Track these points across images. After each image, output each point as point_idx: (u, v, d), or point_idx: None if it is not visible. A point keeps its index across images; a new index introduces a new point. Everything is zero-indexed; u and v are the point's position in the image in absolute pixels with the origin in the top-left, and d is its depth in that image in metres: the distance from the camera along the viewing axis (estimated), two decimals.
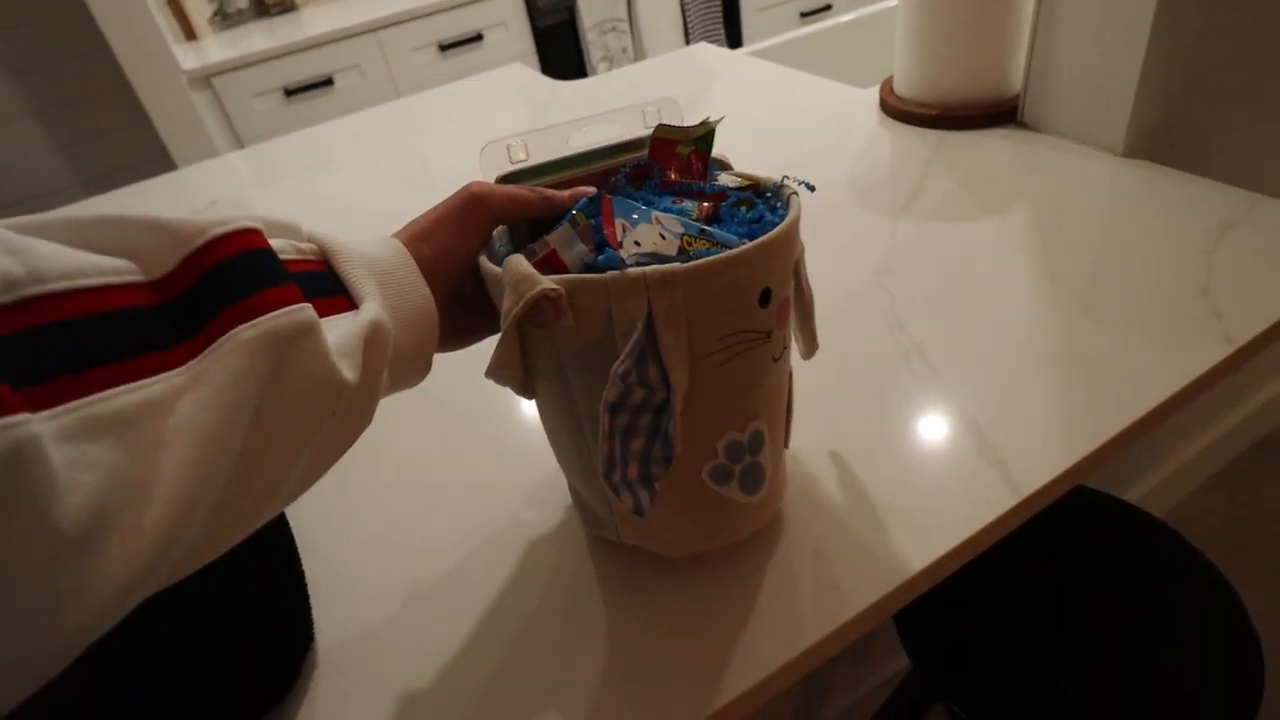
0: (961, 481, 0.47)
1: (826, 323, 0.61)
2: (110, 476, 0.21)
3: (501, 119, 1.18)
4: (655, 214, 0.33)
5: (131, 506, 0.21)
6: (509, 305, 0.33)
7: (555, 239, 0.34)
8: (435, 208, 0.37)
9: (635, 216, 0.33)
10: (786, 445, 0.45)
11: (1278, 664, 1.17)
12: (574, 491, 0.46)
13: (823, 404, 0.54)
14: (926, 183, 0.79)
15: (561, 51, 2.32)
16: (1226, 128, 0.84)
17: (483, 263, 0.37)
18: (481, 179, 0.39)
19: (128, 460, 0.21)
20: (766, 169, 0.41)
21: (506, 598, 0.45)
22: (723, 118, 0.42)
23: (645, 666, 0.40)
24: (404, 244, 0.35)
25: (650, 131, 0.40)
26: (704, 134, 0.40)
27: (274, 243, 0.28)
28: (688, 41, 2.45)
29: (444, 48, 2.19)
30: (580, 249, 0.34)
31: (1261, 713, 0.62)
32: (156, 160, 2.31)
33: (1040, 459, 0.48)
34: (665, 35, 2.39)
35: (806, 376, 0.55)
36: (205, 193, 1.11)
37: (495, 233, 0.39)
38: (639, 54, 2.40)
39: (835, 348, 0.59)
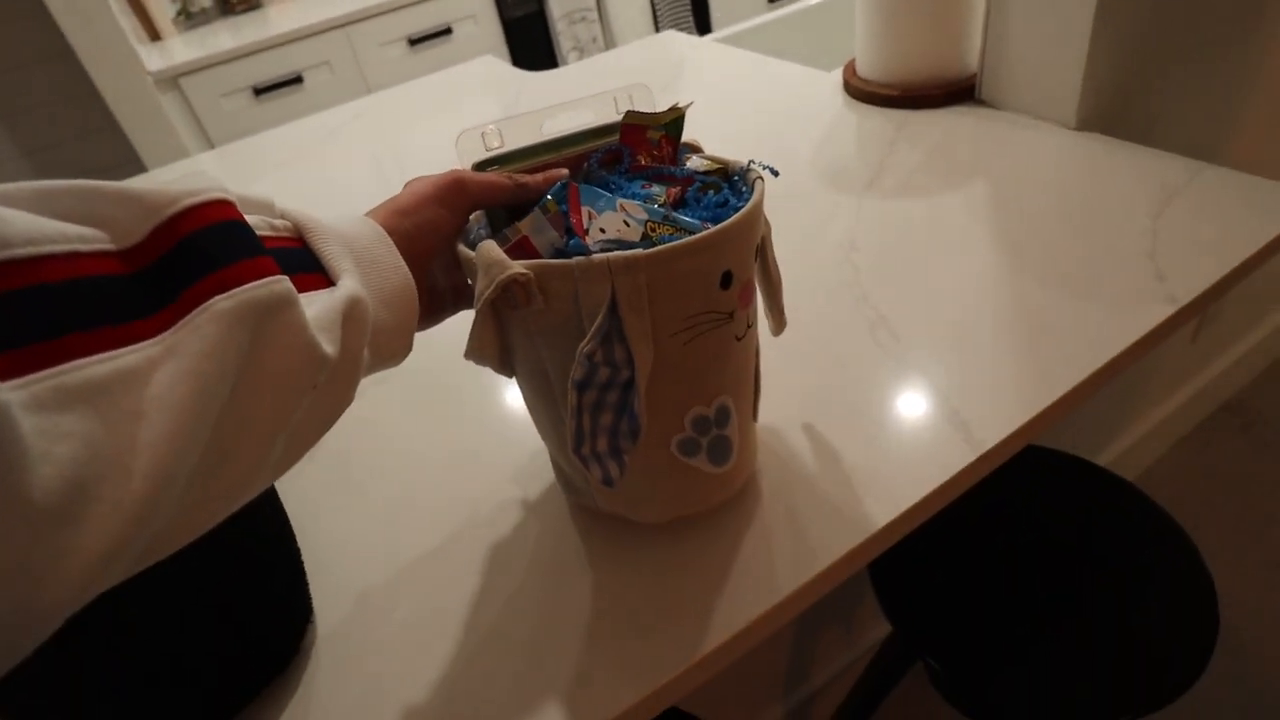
0: (925, 441, 0.50)
1: (796, 298, 0.63)
2: (85, 447, 0.20)
3: (474, 111, 1.19)
4: (620, 201, 0.35)
5: (108, 478, 0.21)
6: (481, 288, 0.35)
7: (527, 225, 0.36)
8: (415, 188, 0.37)
9: (601, 204, 0.35)
10: (755, 418, 0.48)
11: (1240, 609, 1.22)
12: (555, 463, 0.49)
13: (795, 375, 0.57)
14: (889, 161, 0.82)
15: (531, 42, 2.32)
16: (1171, 100, 0.87)
17: (459, 248, 0.39)
18: (458, 166, 0.41)
19: (103, 431, 0.21)
20: (735, 153, 0.43)
21: (496, 567, 0.47)
22: (691, 103, 0.44)
23: (630, 625, 0.43)
24: (383, 221, 0.35)
25: (621, 117, 0.42)
26: (673, 119, 0.42)
27: (248, 218, 0.27)
28: (657, 29, 2.45)
29: (413, 42, 2.19)
30: (551, 235, 0.36)
31: (1218, 650, 0.66)
32: (125, 164, 2.29)
33: (998, 417, 0.51)
34: (635, 23, 2.40)
35: (779, 350, 0.57)
36: None
37: (472, 218, 0.41)
38: (609, 43, 2.40)
39: (805, 321, 0.61)
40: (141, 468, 0.22)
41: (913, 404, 0.53)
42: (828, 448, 0.51)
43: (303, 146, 1.18)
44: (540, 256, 0.36)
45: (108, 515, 0.21)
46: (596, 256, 0.33)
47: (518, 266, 0.33)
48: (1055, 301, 0.59)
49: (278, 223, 0.30)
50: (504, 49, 2.31)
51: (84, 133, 2.21)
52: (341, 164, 1.09)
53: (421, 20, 2.18)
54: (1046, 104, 0.82)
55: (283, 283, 0.26)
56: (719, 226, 0.34)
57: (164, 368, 0.22)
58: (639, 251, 0.33)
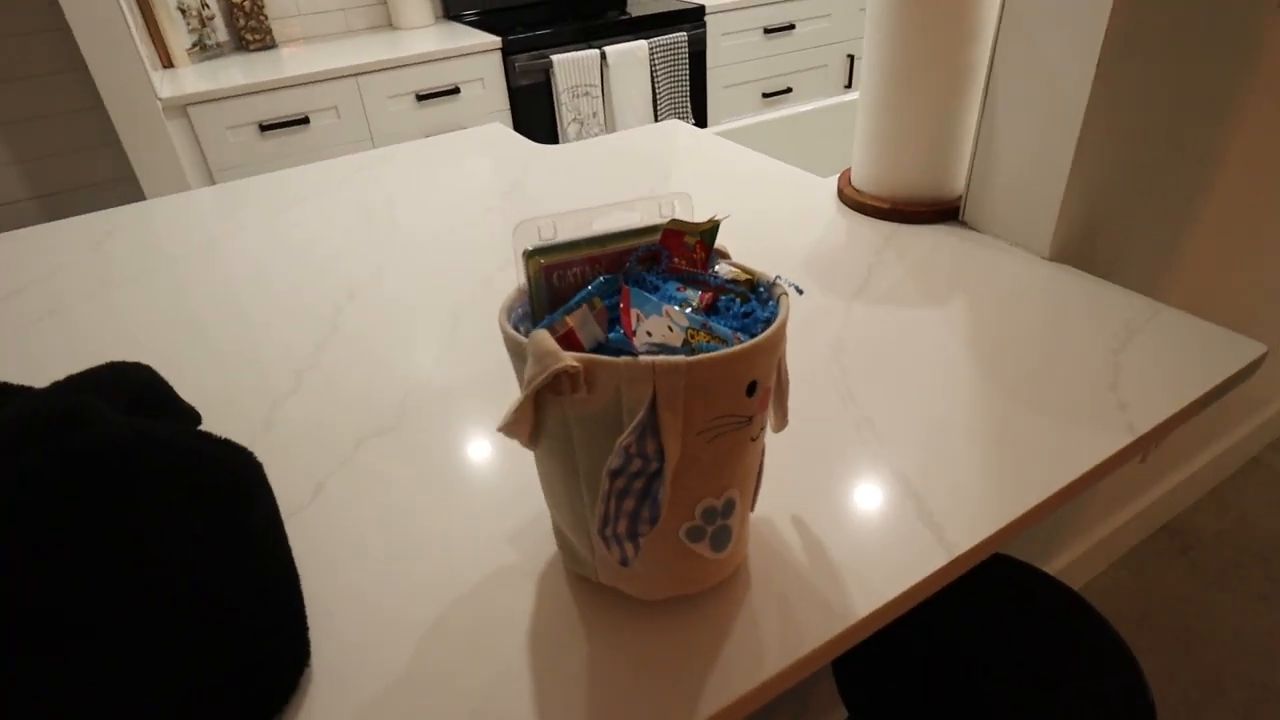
0: (903, 540, 0.54)
1: (789, 394, 0.68)
2: None
3: (482, 178, 1.24)
4: (665, 307, 0.39)
5: None
6: (532, 374, 0.38)
7: (575, 320, 0.40)
8: None
9: (648, 308, 0.39)
10: (752, 509, 0.51)
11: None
12: (559, 532, 0.51)
13: (786, 468, 0.60)
14: (877, 270, 0.88)
15: (534, 109, 2.41)
16: (1136, 243, 0.96)
17: (506, 328, 0.42)
18: (514, 252, 0.44)
19: None
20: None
21: (494, 628, 0.49)
22: (728, 215, 0.49)
23: (620, 696, 0.45)
24: None
25: (663, 221, 0.46)
26: (709, 229, 0.47)
27: None
28: (655, 109, 2.57)
29: (421, 97, 2.26)
30: (595, 329, 0.40)
31: None
32: (120, 181, 2.29)
33: (970, 523, 0.55)
34: (635, 105, 2.51)
35: (772, 442, 0.61)
36: (174, 230, 1.13)
37: (513, 296, 0.45)
38: (608, 119, 2.50)
39: (796, 417, 0.65)
40: None
41: (892, 503, 0.57)
42: (813, 539, 0.54)
43: (307, 193, 1.21)
44: (584, 349, 0.40)
45: None
46: (644, 358, 0.36)
47: (570, 359, 0.37)
48: (1025, 419, 0.64)
49: None
50: (507, 113, 2.39)
51: (84, 147, 2.22)
52: (344, 215, 1.12)
53: (431, 78, 2.26)
54: (1024, 234, 0.89)
55: None
56: (754, 341, 0.38)
57: None
58: (682, 359, 0.36)
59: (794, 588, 0.51)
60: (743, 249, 0.94)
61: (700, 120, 2.72)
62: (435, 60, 2.24)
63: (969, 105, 0.92)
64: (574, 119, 2.46)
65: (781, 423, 0.51)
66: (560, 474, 0.45)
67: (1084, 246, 0.89)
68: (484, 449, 0.64)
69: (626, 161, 1.25)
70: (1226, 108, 0.96)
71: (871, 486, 0.58)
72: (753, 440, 0.42)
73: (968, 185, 0.94)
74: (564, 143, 1.36)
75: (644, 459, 0.38)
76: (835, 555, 0.53)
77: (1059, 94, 0.80)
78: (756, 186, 1.11)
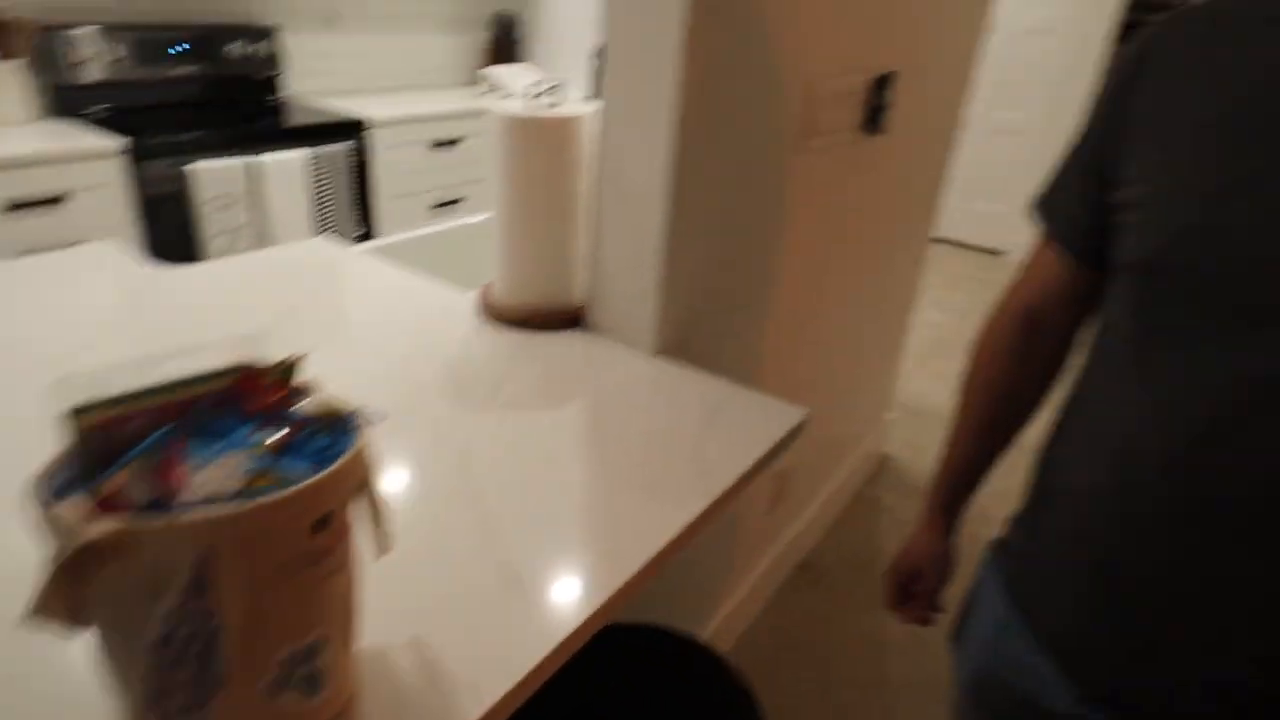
0: (514, 635, 0.58)
1: (411, 509, 0.70)
2: None
3: (77, 306, 1.10)
4: (223, 455, 0.39)
5: None
6: (58, 551, 0.35)
7: (119, 481, 0.38)
8: None
9: (203, 457, 0.39)
10: (354, 643, 0.51)
11: None
12: None
13: (400, 587, 0.61)
14: (509, 377, 0.95)
15: (171, 222, 2.19)
16: (723, 336, 1.16)
17: (31, 502, 0.38)
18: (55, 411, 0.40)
19: None
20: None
21: None
22: (306, 355, 0.50)
23: None
24: None
25: (238, 363, 0.46)
26: (287, 368, 0.48)
27: None
28: (317, 221, 2.49)
29: (16, 206, 1.93)
30: (142, 488, 0.38)
31: None
32: None
33: (577, 605, 0.61)
34: (293, 215, 2.41)
35: (392, 564, 0.61)
36: None
37: (52, 463, 0.41)
38: (262, 230, 2.37)
39: (419, 531, 0.67)
40: None
41: (509, 598, 0.61)
42: (429, 657, 0.56)
43: None
44: (132, 509, 0.38)
45: None
46: (186, 516, 0.36)
47: (99, 528, 0.35)
48: (627, 497, 0.74)
49: None
50: (135, 227, 2.14)
51: None
52: None
53: (32, 182, 1.94)
54: (632, 335, 1.04)
55: None
56: (313, 480, 0.40)
57: None
58: (228, 509, 0.36)
59: (408, 713, 0.51)
60: (383, 368, 0.95)
61: (369, 231, 2.70)
62: (40, 164, 1.94)
63: (579, 225, 1.06)
64: (221, 232, 2.28)
65: (384, 548, 0.52)
66: (119, 657, 0.41)
67: (681, 343, 1.06)
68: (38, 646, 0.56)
69: (260, 284, 1.20)
70: (777, 225, 1.23)
71: (490, 585, 0.62)
72: (333, 574, 0.43)
73: (586, 296, 1.07)
74: (209, 259, 1.26)
75: (196, 621, 0.37)
76: (451, 666, 0.55)
77: (644, 218, 0.97)
78: (400, 303, 1.14)
